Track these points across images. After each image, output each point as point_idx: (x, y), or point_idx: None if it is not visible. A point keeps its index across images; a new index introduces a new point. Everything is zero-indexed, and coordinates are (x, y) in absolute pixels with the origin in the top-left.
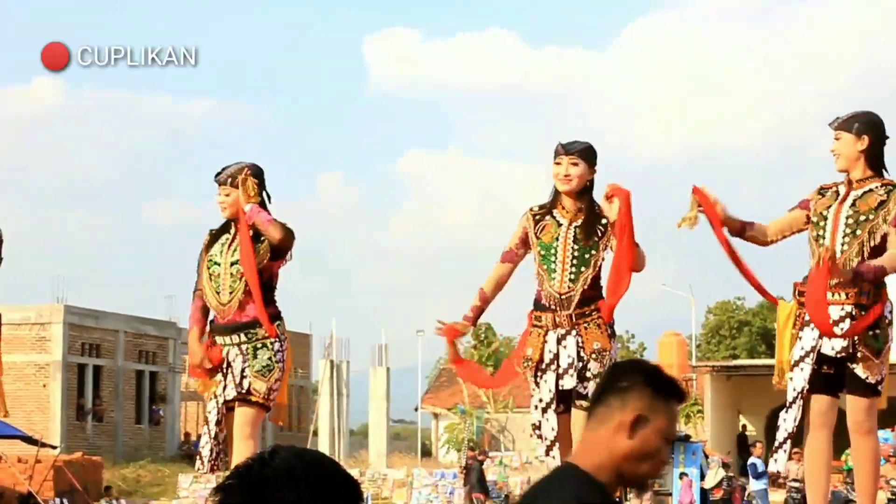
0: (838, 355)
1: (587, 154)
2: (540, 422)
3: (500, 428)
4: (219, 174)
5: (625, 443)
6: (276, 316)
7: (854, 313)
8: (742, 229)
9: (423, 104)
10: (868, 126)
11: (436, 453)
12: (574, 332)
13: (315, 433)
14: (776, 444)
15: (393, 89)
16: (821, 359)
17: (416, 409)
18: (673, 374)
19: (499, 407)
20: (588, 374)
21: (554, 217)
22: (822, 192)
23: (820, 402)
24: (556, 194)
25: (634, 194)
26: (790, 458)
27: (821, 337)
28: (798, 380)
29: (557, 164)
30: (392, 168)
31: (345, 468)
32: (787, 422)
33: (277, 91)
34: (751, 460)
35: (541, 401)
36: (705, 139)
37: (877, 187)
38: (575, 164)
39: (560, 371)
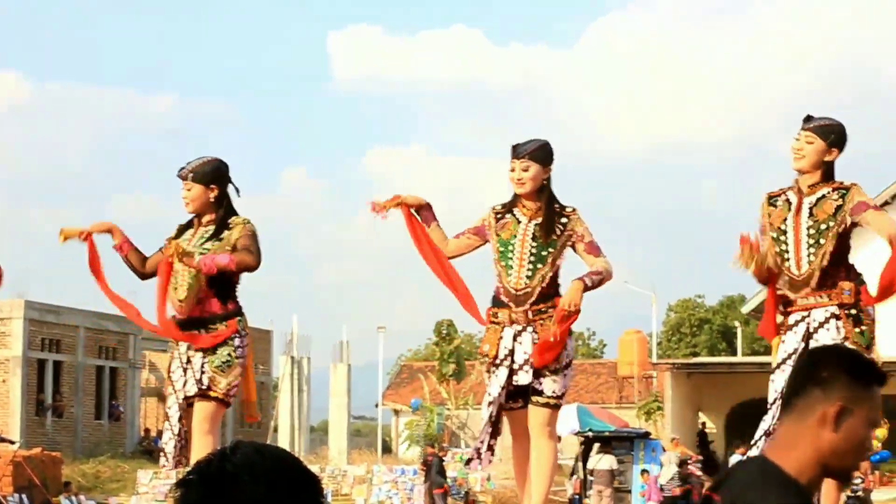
0: None
1: (538, 154)
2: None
3: (460, 424)
4: (181, 169)
5: (829, 436)
6: (237, 312)
7: (839, 314)
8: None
9: (388, 101)
10: (840, 140)
11: (396, 450)
12: (530, 329)
13: (275, 429)
14: (753, 441)
15: (357, 86)
16: None
17: (377, 406)
18: (633, 371)
19: (459, 403)
20: (544, 371)
21: (514, 215)
22: (772, 201)
23: None
24: (516, 197)
25: (600, 192)
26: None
27: (803, 340)
28: (779, 381)
29: (511, 168)
30: (356, 164)
31: (306, 464)
32: (766, 421)
33: (242, 86)
34: (733, 458)
35: (489, 395)
36: (672, 137)
37: (829, 192)
38: (526, 169)
39: (515, 367)
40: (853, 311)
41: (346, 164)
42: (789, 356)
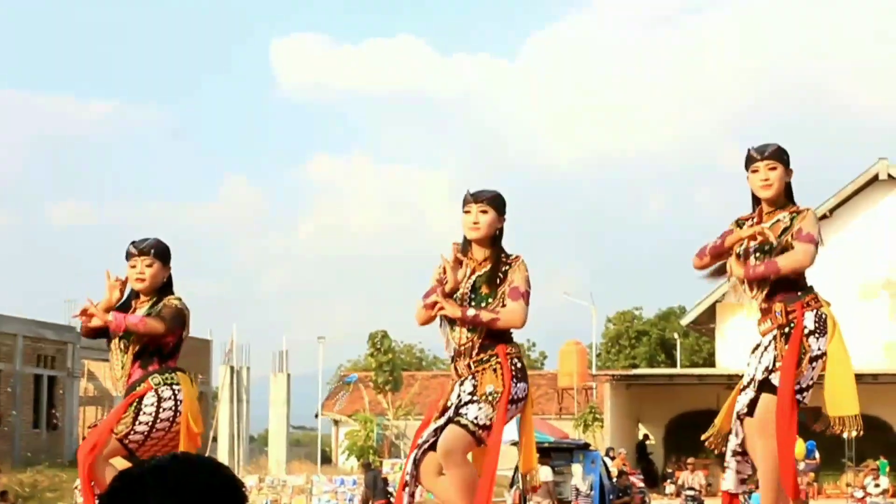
0: (770, 375)
1: (495, 202)
2: None
3: (399, 434)
4: (141, 243)
5: None
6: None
7: (776, 335)
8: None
9: (331, 109)
10: (788, 158)
11: (336, 460)
12: (471, 378)
13: (214, 439)
14: (725, 462)
15: (301, 94)
16: (759, 386)
17: (317, 416)
18: (573, 382)
19: (399, 414)
20: (472, 399)
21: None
22: (739, 224)
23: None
24: (467, 243)
25: (539, 203)
26: (685, 469)
27: (760, 361)
28: (742, 401)
29: (467, 212)
30: (299, 172)
31: (228, 470)
32: (731, 442)
33: (182, 93)
34: (684, 475)
35: (421, 437)
36: (613, 148)
37: (784, 217)
38: (484, 212)
39: (451, 406)
40: (785, 330)
41: (287, 172)
42: (751, 381)
